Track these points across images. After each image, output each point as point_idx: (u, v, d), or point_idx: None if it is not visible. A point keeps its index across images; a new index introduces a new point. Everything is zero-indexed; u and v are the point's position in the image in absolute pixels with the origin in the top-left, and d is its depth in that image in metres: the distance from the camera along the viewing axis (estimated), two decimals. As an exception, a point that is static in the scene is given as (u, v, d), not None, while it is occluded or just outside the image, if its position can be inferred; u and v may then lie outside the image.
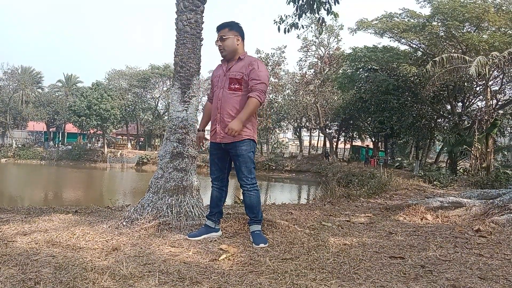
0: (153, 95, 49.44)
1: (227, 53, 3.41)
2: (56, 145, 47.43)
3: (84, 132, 47.05)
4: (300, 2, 6.60)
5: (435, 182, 11.96)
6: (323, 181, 25.11)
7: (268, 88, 3.37)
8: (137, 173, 37.06)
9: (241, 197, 3.56)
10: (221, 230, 3.58)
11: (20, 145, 45.80)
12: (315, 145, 49.61)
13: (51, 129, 51.28)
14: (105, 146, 44.19)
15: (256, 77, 3.28)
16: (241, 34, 3.45)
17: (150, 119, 49.66)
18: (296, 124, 42.78)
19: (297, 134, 44.84)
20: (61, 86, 57.73)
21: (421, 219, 4.70)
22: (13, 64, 70.78)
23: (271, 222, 3.82)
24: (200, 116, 3.96)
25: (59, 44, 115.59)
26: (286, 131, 50.04)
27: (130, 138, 51.69)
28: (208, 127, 3.72)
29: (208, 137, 3.72)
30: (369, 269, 2.72)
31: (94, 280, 2.33)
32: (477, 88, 22.64)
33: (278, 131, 47.98)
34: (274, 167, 37.05)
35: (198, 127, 3.85)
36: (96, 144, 49.97)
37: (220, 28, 3.42)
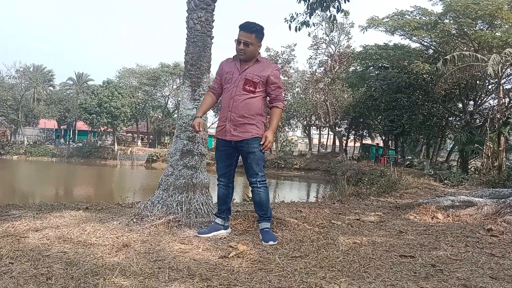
0: (163, 93, 49.62)
1: (246, 58, 3.36)
2: (67, 143, 47.86)
3: (95, 130, 47.41)
4: (311, 0, 6.57)
5: (446, 181, 11.88)
6: (332, 180, 25.05)
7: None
8: (147, 170, 37.28)
9: (250, 195, 3.57)
10: (231, 228, 3.59)
11: (31, 143, 46.26)
12: (325, 143, 49.51)
13: (62, 127, 51.78)
14: (115, 144, 44.51)
15: (278, 86, 3.38)
16: (261, 41, 3.42)
17: (160, 117, 49.90)
18: (305, 122, 42.69)
19: (307, 132, 44.74)
20: (72, 84, 58.24)
21: (432, 218, 4.66)
22: (25, 62, 71.52)
23: (280, 220, 3.82)
24: (210, 114, 3.95)
25: (70, 42, 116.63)
26: (295, 129, 49.99)
27: (140, 135, 52.01)
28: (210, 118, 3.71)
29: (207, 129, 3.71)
30: (379, 267, 2.71)
31: (105, 276, 2.35)
32: (489, 86, 22.40)
33: (287, 129, 47.93)
34: (283, 165, 37.00)
35: (197, 113, 3.61)
36: (106, 141, 50.35)
37: (247, 30, 3.31)
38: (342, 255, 2.95)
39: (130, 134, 55.51)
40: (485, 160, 14.13)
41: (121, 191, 19.50)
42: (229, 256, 2.84)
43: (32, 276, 2.32)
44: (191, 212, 3.73)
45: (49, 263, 2.55)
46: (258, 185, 3.39)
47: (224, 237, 3.37)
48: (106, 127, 44.93)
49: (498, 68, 13.85)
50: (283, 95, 3.43)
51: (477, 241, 3.56)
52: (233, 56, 3.51)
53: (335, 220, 4.37)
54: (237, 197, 12.07)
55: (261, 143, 3.30)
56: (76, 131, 51.76)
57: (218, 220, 3.51)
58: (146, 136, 53.00)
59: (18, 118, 44.22)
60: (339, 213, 5.01)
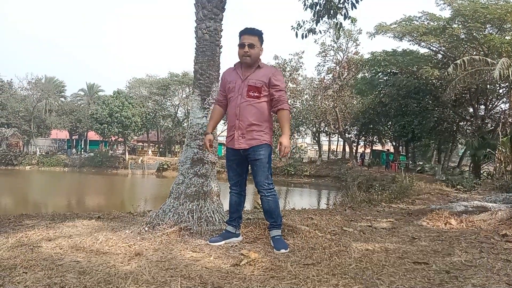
0: (172, 102, 50.00)
1: (251, 61, 3.37)
2: (79, 153, 48.30)
3: (106, 140, 47.79)
4: (317, 7, 6.58)
5: (458, 186, 11.75)
6: (343, 186, 24.93)
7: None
8: (157, 179, 37.45)
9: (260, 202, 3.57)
10: (242, 235, 3.58)
11: (43, 153, 46.77)
12: (335, 149, 49.31)
13: (73, 137, 52.30)
14: (126, 153, 44.81)
15: (281, 88, 3.35)
16: (262, 46, 3.48)
17: (170, 126, 50.20)
18: (314, 129, 42.61)
19: (316, 139, 44.64)
20: (83, 95, 58.90)
21: (445, 224, 4.60)
22: (37, 74, 72.49)
23: (291, 227, 3.81)
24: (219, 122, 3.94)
25: (81, 54, 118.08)
26: (305, 136, 49.89)
27: (151, 144, 52.31)
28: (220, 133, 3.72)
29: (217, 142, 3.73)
30: (393, 274, 2.68)
31: (117, 285, 2.36)
32: (500, 91, 22.18)
33: (296, 136, 47.86)
34: (293, 172, 36.93)
35: (207, 129, 3.70)
36: (117, 151, 50.73)
37: (250, 33, 3.37)
38: (354, 262, 2.93)
39: (141, 143, 55.87)
40: (497, 165, 13.95)
41: (133, 200, 19.62)
42: (240, 264, 2.83)
43: (46, 286, 2.34)
44: (202, 220, 3.74)
45: (62, 272, 2.57)
46: (266, 194, 3.38)
47: (236, 245, 3.36)
48: (117, 137, 45.29)
49: (509, 72, 13.72)
50: (286, 97, 3.40)
51: (492, 247, 3.50)
52: (234, 65, 3.53)
53: (347, 227, 4.34)
54: (247, 204, 12.04)
55: (277, 150, 3.31)
56: (88, 141, 52.22)
57: (229, 228, 3.51)
58: (157, 145, 53.30)
59: (31, 129, 44.72)
60: (351, 219, 4.98)
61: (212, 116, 3.63)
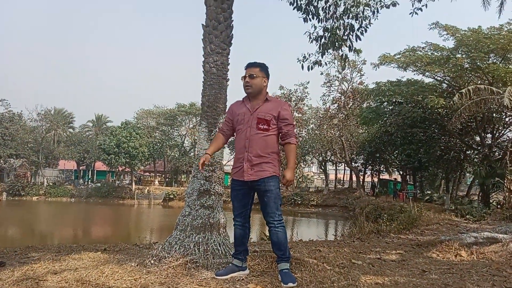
0: (179, 132, 50.40)
1: (253, 91, 3.46)
2: (86, 183, 48.42)
3: (113, 170, 47.97)
4: (323, 40, 6.72)
5: (467, 216, 11.58)
6: (350, 216, 24.66)
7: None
8: (163, 209, 37.29)
9: (267, 233, 3.54)
10: (248, 269, 3.54)
11: (51, 183, 46.93)
12: (341, 179, 49.03)
13: (81, 167, 52.54)
14: (133, 183, 44.86)
15: (290, 122, 3.44)
16: (268, 77, 3.57)
17: (176, 156, 50.38)
18: (321, 158, 42.54)
19: (322, 168, 44.50)
20: (92, 126, 59.52)
21: (455, 256, 4.53)
22: (46, 105, 73.56)
23: (299, 260, 3.76)
24: (225, 151, 3.97)
25: (90, 86, 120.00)
26: (311, 165, 49.74)
27: (157, 174, 52.39)
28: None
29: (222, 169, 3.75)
30: (403, 309, 2.63)
31: (123, 320, 2.33)
32: (507, 119, 22.14)
33: (302, 165, 47.71)
34: (299, 202, 36.68)
35: (207, 150, 3.67)
36: (124, 181, 50.78)
37: (251, 65, 3.50)
38: (363, 296, 2.87)
39: (147, 173, 55.96)
40: (507, 194, 13.78)
41: (139, 231, 19.51)
42: (247, 299, 2.79)
43: (51, 321, 2.32)
44: (208, 253, 3.71)
45: (68, 307, 2.55)
46: (276, 225, 3.36)
47: (242, 279, 3.32)
48: (124, 167, 45.43)
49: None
50: (294, 131, 3.49)
51: (505, 280, 3.43)
52: (243, 98, 3.61)
53: (356, 259, 4.28)
54: (254, 236, 11.92)
55: (281, 182, 3.34)
56: (95, 172, 52.43)
57: (236, 261, 3.47)
58: (163, 175, 53.37)
59: (39, 160, 45.07)
60: (359, 251, 4.91)
61: (214, 141, 3.71)
